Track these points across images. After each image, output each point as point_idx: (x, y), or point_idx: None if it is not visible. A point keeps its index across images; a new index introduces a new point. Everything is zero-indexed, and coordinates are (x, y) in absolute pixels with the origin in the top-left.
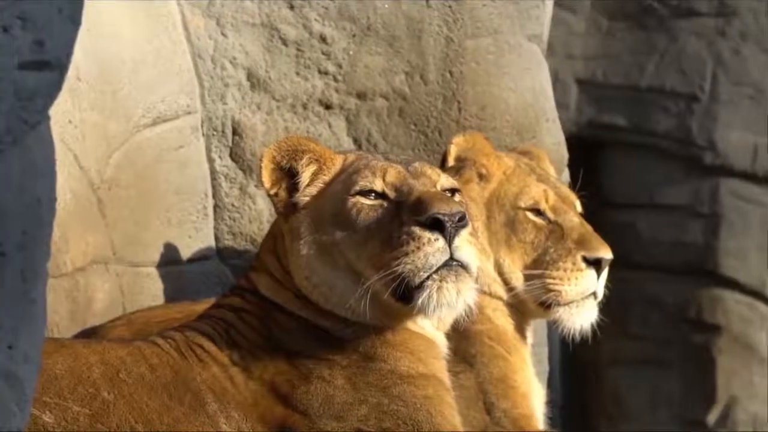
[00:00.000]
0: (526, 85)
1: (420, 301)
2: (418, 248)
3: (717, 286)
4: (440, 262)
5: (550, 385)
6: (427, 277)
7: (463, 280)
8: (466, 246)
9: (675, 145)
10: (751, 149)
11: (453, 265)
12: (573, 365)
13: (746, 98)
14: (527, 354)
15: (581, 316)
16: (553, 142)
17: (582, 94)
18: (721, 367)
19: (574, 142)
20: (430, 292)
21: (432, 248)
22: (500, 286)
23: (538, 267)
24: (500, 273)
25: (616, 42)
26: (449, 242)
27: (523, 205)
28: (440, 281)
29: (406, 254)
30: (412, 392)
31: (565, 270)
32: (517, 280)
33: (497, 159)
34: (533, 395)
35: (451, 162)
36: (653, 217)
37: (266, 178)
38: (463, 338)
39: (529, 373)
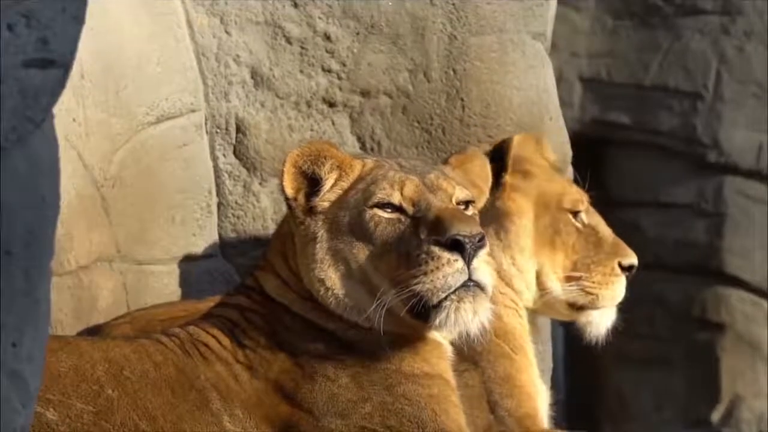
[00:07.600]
0: (530, 83)
1: (438, 320)
2: (437, 268)
3: (721, 284)
4: (459, 283)
5: (554, 384)
6: (445, 297)
7: (480, 300)
8: (483, 266)
9: (679, 144)
10: (755, 147)
11: (471, 285)
12: (577, 364)
13: (750, 96)
14: (532, 354)
15: (608, 321)
16: (557, 140)
17: (586, 93)
18: (726, 365)
19: (578, 140)
20: (448, 312)
21: (451, 269)
22: (527, 288)
23: (578, 270)
24: (539, 275)
25: (621, 40)
26: (468, 263)
27: (567, 206)
28: (458, 302)
29: (425, 273)
30: (416, 391)
31: (603, 275)
32: (553, 282)
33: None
34: (538, 395)
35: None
36: (658, 215)
37: (288, 183)
38: None
39: (534, 374)
